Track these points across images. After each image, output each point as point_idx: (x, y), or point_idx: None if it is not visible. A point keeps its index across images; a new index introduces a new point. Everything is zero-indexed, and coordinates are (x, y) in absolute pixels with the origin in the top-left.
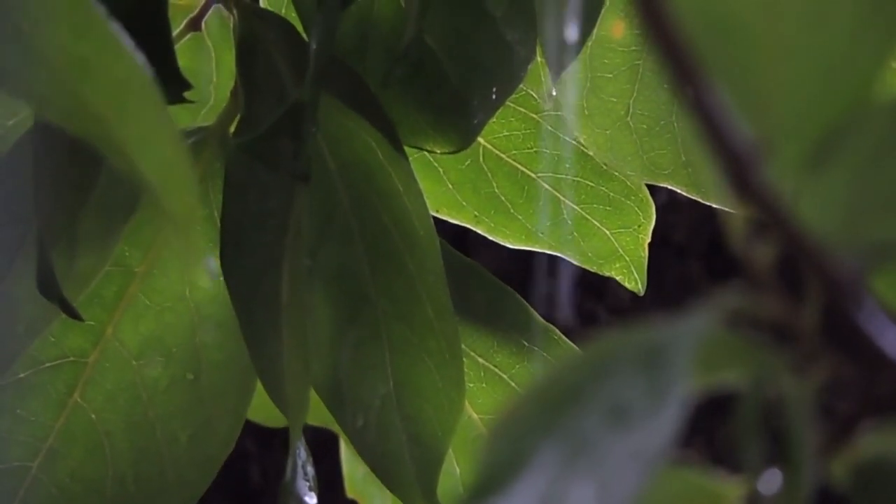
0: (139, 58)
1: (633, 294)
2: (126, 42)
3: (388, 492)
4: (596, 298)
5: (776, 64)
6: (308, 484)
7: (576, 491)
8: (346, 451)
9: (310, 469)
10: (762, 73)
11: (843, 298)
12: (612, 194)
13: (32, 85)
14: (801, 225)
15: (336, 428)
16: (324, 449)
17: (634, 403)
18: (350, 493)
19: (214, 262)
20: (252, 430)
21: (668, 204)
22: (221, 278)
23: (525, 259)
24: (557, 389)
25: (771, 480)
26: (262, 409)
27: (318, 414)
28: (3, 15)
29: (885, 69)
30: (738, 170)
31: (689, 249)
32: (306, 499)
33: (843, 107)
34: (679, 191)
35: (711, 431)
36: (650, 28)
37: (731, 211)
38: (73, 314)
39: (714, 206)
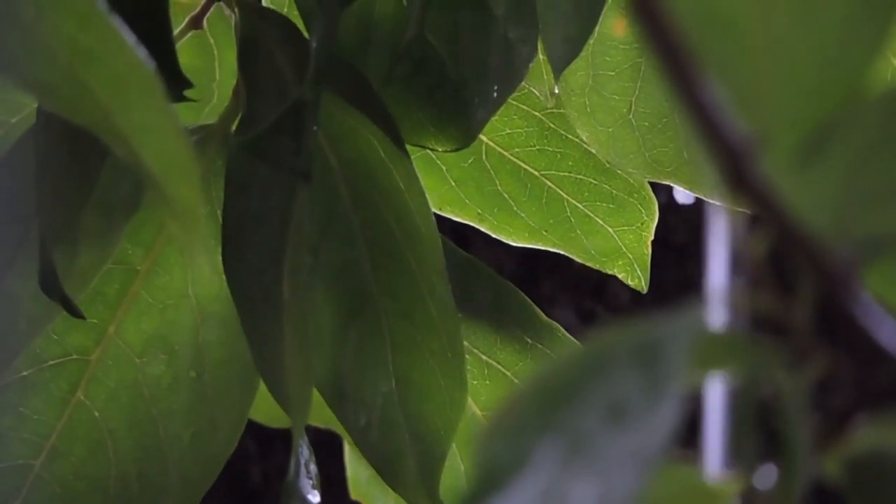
0: (141, 51)
1: (632, 294)
2: (127, 35)
3: (391, 494)
4: (596, 298)
5: (769, 58)
6: (311, 482)
7: (575, 489)
8: (350, 453)
9: (312, 467)
10: (756, 68)
11: (837, 292)
12: (614, 192)
13: (37, 74)
14: (795, 218)
15: (339, 429)
16: (328, 450)
17: (632, 400)
18: (354, 495)
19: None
20: (253, 431)
21: (667, 205)
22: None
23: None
24: (555, 387)
25: (766, 475)
26: (265, 410)
27: (321, 415)
28: (7, 4)
29: (876, 63)
30: (733, 164)
31: (688, 250)
32: (309, 497)
33: (835, 100)
34: (681, 187)
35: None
36: (645, 23)
37: (728, 207)
38: (75, 312)
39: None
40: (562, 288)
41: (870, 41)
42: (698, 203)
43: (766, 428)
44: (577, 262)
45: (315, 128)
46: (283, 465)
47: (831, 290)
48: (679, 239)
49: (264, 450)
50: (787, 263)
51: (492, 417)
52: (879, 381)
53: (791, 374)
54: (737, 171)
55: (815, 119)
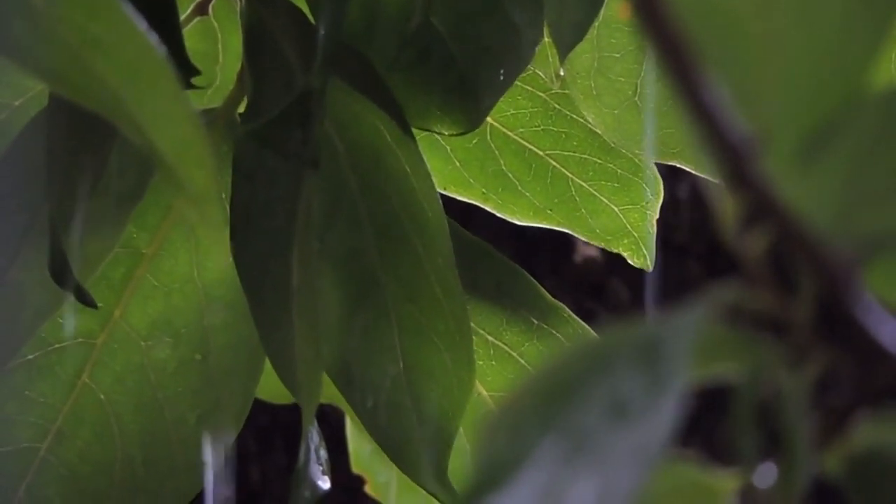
0: (152, 37)
1: (632, 294)
2: (138, 22)
3: (393, 467)
4: (596, 298)
5: (771, 56)
6: (321, 468)
7: (576, 486)
8: (351, 427)
9: (323, 453)
10: (757, 66)
11: (837, 290)
12: (619, 171)
13: (46, 62)
14: (796, 217)
15: (341, 404)
16: (329, 424)
17: (633, 398)
18: (355, 469)
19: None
20: (252, 430)
21: (668, 204)
22: (230, 259)
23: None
24: (556, 384)
25: (766, 473)
26: (270, 387)
27: (325, 391)
28: None
29: (877, 61)
30: (734, 162)
31: (689, 250)
32: (319, 483)
33: (837, 99)
34: (680, 188)
35: (708, 426)
36: (646, 20)
37: (728, 203)
38: (87, 301)
39: (714, 206)
40: (562, 288)
41: (870, 39)
42: (699, 202)
43: (766, 426)
44: (578, 262)
45: (322, 116)
46: (283, 464)
47: (832, 288)
48: (679, 239)
49: (264, 449)
50: (787, 261)
51: (493, 414)
52: (879, 380)
53: (791, 373)
54: (738, 170)
55: (816, 117)
